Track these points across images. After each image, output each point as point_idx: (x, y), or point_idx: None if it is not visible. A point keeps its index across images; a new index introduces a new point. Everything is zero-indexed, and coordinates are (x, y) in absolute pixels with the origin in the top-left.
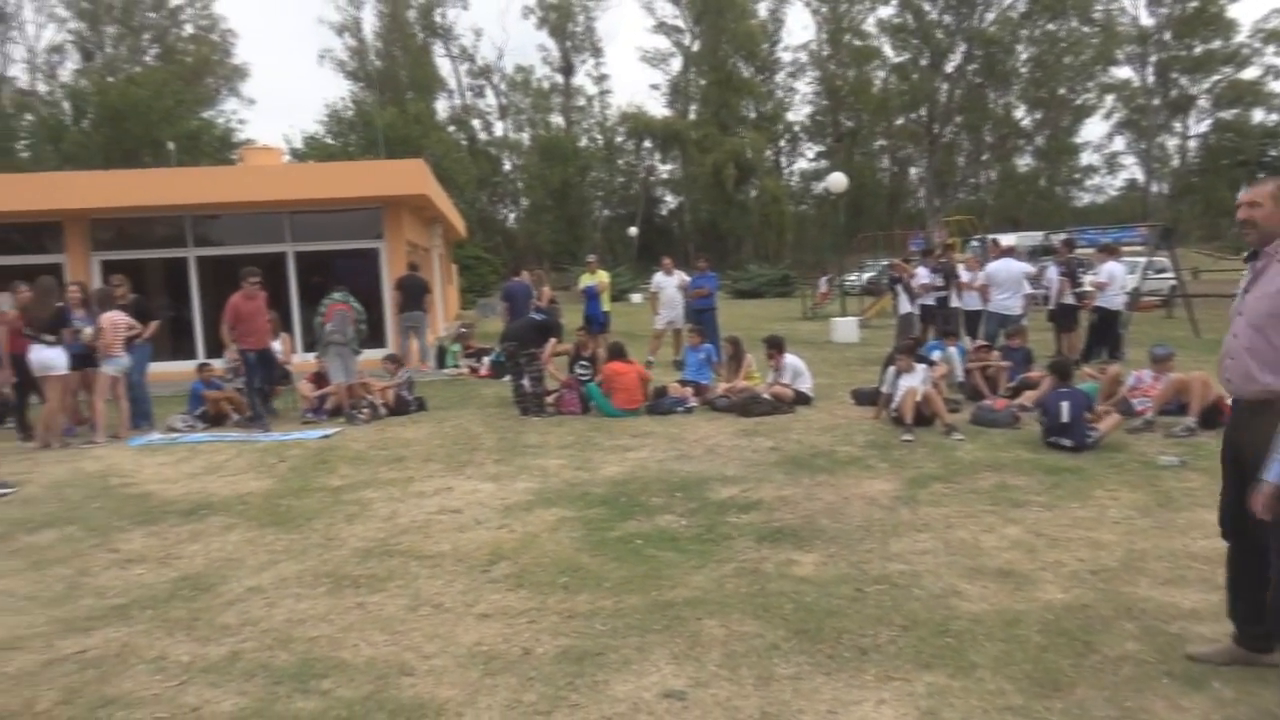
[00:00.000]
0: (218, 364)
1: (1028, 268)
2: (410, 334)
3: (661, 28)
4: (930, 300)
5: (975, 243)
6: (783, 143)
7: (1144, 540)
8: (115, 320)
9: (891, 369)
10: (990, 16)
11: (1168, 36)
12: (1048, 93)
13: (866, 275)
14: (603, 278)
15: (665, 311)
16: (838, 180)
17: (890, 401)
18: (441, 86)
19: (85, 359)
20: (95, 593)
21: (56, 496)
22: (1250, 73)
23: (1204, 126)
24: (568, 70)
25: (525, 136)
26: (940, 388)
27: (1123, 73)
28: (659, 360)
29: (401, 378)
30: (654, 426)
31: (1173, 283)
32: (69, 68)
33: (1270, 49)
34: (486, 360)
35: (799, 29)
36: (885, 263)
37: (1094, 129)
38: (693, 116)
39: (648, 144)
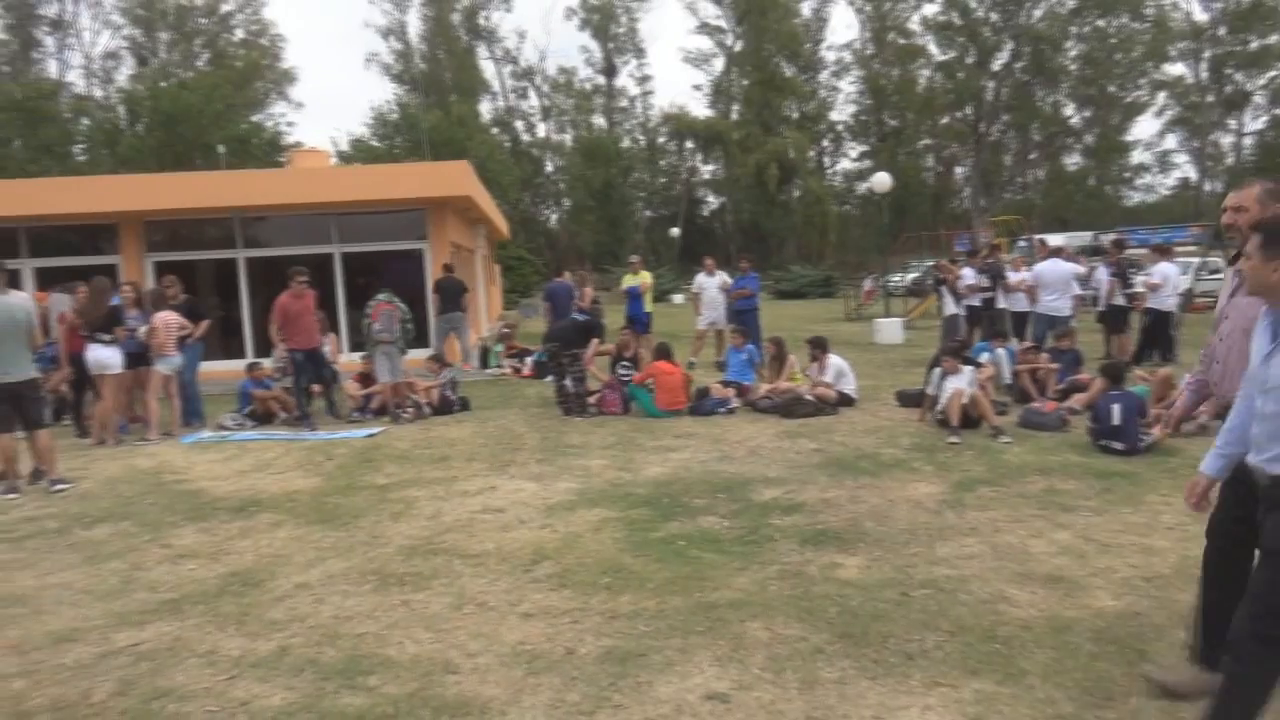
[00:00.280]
0: (266, 363)
1: (1076, 268)
2: (450, 334)
3: (704, 28)
4: (976, 301)
5: (1023, 243)
6: (826, 142)
7: (1198, 547)
8: (168, 320)
9: (937, 370)
10: (1038, 13)
11: (1222, 31)
12: (1097, 90)
13: (911, 276)
14: (645, 278)
15: (707, 312)
16: (882, 180)
17: (935, 403)
18: (485, 89)
19: (139, 358)
20: (148, 587)
21: (111, 492)
22: None
23: (1260, 124)
24: (610, 71)
25: (567, 138)
26: (987, 390)
27: (1175, 69)
28: (701, 361)
29: (445, 377)
30: (696, 427)
31: None
32: (124, 73)
33: None
34: (529, 360)
35: (842, 28)
36: (930, 263)
37: (1145, 127)
38: (735, 117)
39: (690, 144)
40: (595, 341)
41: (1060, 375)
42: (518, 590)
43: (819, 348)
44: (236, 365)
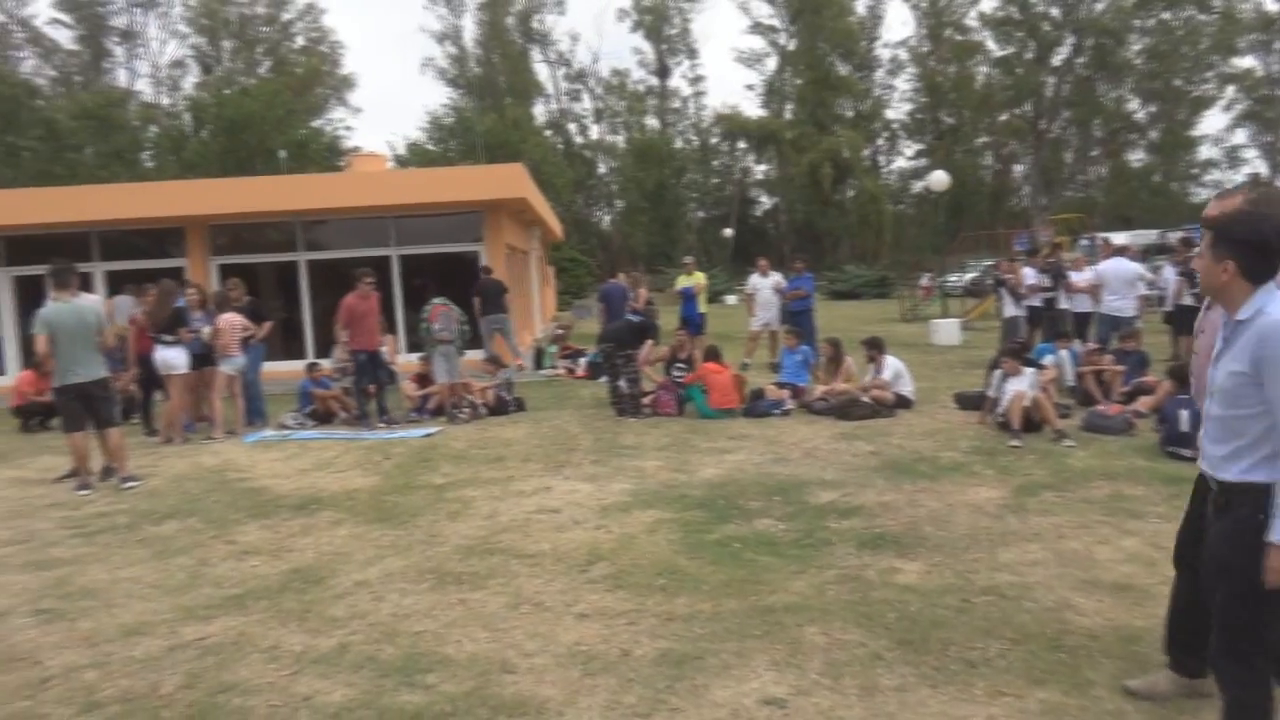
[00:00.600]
0: (326, 363)
1: (1140, 268)
2: (495, 335)
3: (757, 28)
4: (1038, 302)
5: (1085, 242)
6: (881, 141)
7: None
8: (231, 321)
9: (997, 372)
10: (1101, 6)
11: None
12: (1163, 84)
13: (968, 276)
14: (699, 279)
15: (761, 313)
16: (939, 178)
17: (996, 406)
18: (539, 91)
19: (204, 358)
20: (214, 582)
21: (178, 489)
22: None
23: None
24: (663, 72)
25: (620, 139)
26: (1050, 392)
27: (1244, 62)
28: (755, 362)
29: (500, 378)
30: (751, 429)
31: None
32: (189, 81)
33: None
34: (583, 361)
35: (898, 25)
36: (988, 263)
37: (1213, 121)
38: (788, 116)
39: (742, 145)
40: (649, 342)
41: (1126, 378)
42: (573, 591)
43: (876, 348)
44: (297, 366)
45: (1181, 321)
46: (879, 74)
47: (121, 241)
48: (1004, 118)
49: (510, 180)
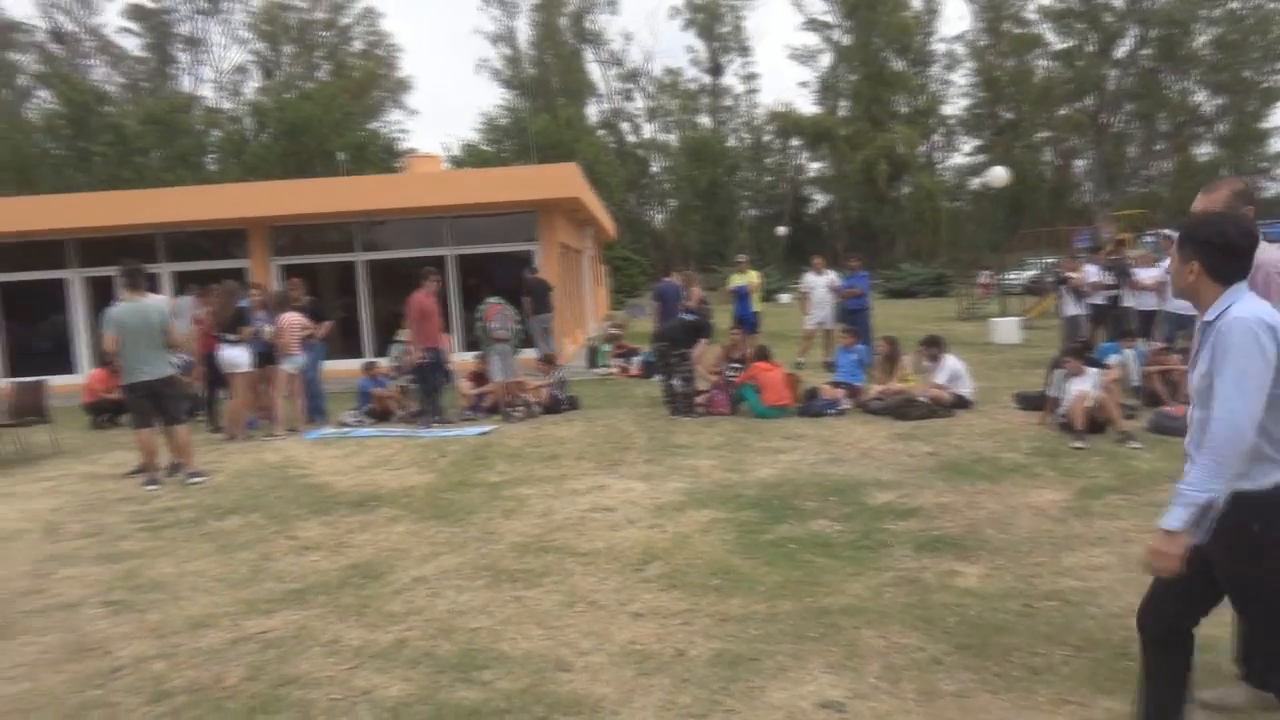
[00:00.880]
0: (383, 362)
1: None
2: (542, 335)
3: (811, 24)
4: (1101, 300)
5: (1149, 238)
6: (937, 137)
7: None
8: (292, 320)
9: (1059, 371)
10: None
11: None
12: (1231, 76)
13: (1028, 274)
14: (753, 278)
15: (815, 312)
16: (998, 174)
17: (1057, 406)
18: (592, 91)
19: (267, 357)
20: (276, 577)
21: (241, 485)
22: None
23: None
24: (716, 70)
25: (673, 138)
26: (1114, 392)
27: None
28: (809, 361)
29: (555, 377)
30: (806, 429)
31: None
32: (251, 85)
33: None
34: (636, 360)
35: (955, 19)
36: (1049, 260)
37: None
38: (843, 113)
39: (796, 142)
40: (703, 341)
41: None
42: (628, 590)
43: (934, 347)
44: (356, 364)
45: None
46: (935, 69)
47: (186, 243)
48: (1064, 112)
49: (563, 180)
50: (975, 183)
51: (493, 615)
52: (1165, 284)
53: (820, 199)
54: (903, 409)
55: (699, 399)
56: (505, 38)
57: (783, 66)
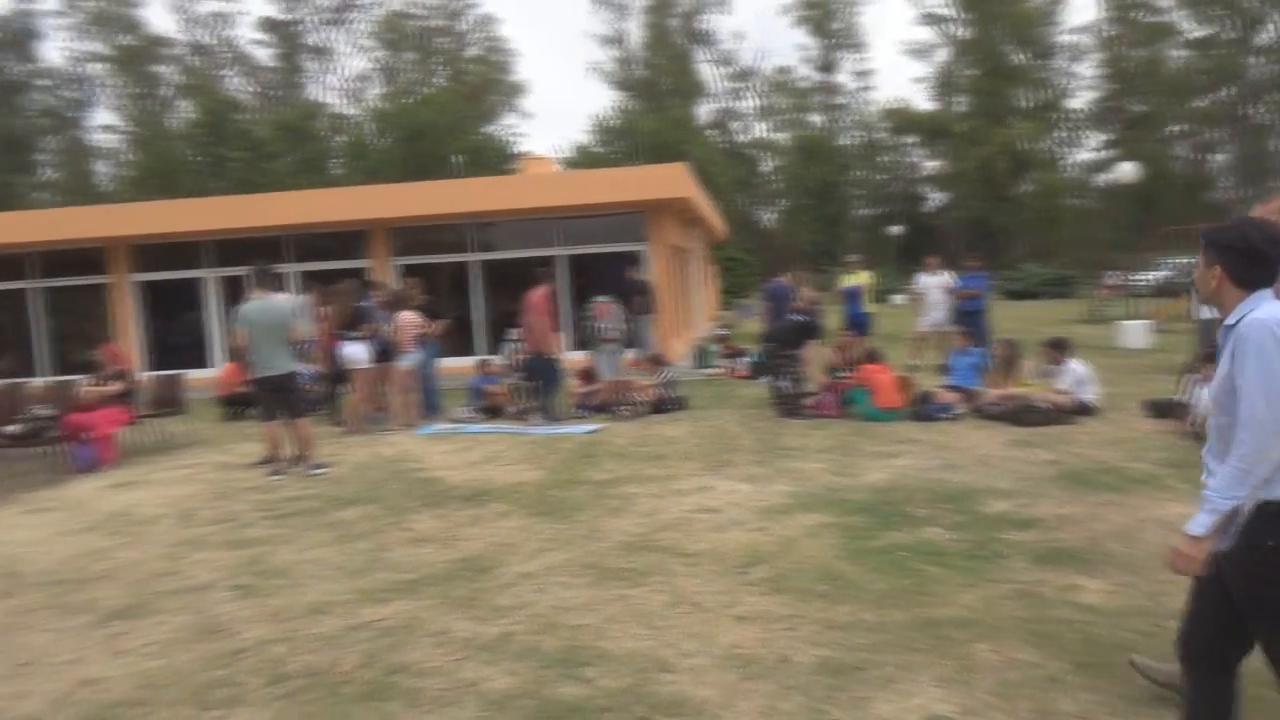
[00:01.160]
0: (496, 360)
1: None
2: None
3: (928, 18)
4: None
5: None
6: (1061, 132)
7: None
8: (409, 319)
9: (1192, 378)
10: None
11: None
12: None
13: (1160, 274)
14: (864, 278)
15: (930, 313)
16: (1126, 170)
17: (1190, 414)
18: (702, 91)
19: (385, 354)
20: (390, 567)
21: (360, 477)
22: None
23: None
24: (828, 68)
25: (784, 137)
26: None
27: None
28: (923, 364)
29: (663, 376)
30: (918, 433)
31: None
32: (373, 92)
33: None
34: (744, 361)
35: (1081, 8)
36: (1182, 260)
37: None
38: (960, 108)
39: (911, 139)
40: (812, 342)
41: None
42: (732, 592)
43: (1058, 349)
44: (469, 361)
45: None
46: (1059, 61)
47: (312, 244)
48: (1200, 104)
49: (672, 180)
50: (1102, 179)
51: (597, 613)
52: None
53: (936, 197)
54: (1021, 414)
55: (807, 401)
56: (616, 40)
57: (897, 62)
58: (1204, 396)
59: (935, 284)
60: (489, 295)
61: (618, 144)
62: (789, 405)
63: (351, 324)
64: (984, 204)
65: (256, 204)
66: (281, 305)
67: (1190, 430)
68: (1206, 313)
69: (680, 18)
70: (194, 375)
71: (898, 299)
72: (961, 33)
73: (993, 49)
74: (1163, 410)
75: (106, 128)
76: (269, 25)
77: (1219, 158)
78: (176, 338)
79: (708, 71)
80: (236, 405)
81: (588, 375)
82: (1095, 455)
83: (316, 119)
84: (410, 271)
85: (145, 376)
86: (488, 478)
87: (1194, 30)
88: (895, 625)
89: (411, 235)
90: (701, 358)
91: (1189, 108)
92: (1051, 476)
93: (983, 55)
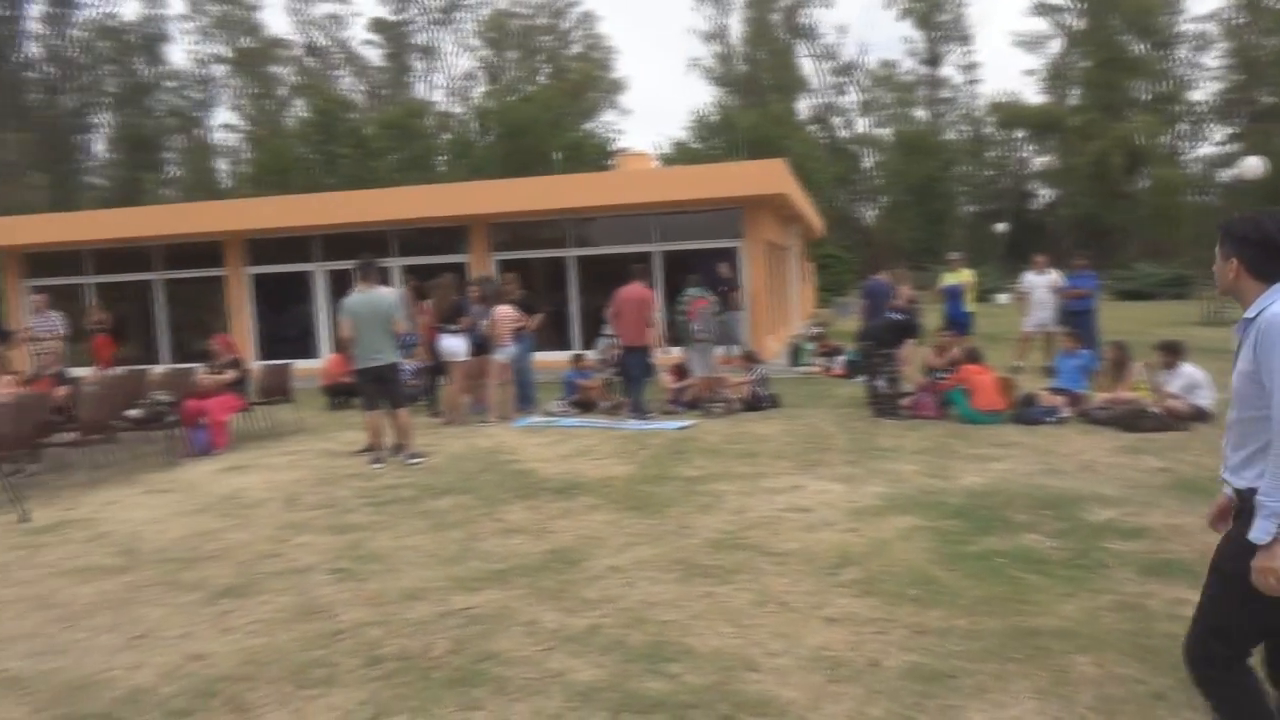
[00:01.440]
0: (590, 355)
1: None
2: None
3: (1040, 9)
4: None
5: None
6: (1182, 125)
7: None
8: (505, 313)
9: None
10: None
11: None
12: None
13: None
14: (966, 276)
15: (1035, 313)
16: (1253, 165)
17: None
18: (803, 86)
19: (482, 347)
20: (482, 556)
21: (455, 468)
22: None
23: None
24: (933, 61)
25: (887, 132)
26: None
27: None
28: (1028, 365)
29: (756, 374)
30: (1020, 437)
31: None
32: (478, 90)
33: None
34: (840, 359)
35: None
36: None
37: None
38: (1073, 101)
39: (1020, 134)
40: (910, 342)
41: None
42: (821, 593)
43: (1171, 353)
44: (564, 356)
45: None
46: (1181, 51)
47: (415, 239)
48: None
49: (770, 176)
50: (1227, 175)
51: (683, 609)
52: None
53: (1045, 194)
54: (1131, 420)
55: (904, 401)
56: (717, 35)
57: (1007, 55)
58: None
59: (1042, 283)
60: (585, 290)
61: (716, 140)
62: (885, 405)
63: (450, 317)
64: (1096, 201)
65: (363, 200)
66: (385, 298)
67: None
68: None
69: (782, 12)
70: (301, 365)
71: (1002, 298)
72: (1076, 23)
73: (1109, 39)
74: None
75: (227, 126)
76: (379, 26)
77: None
78: (285, 329)
79: (809, 66)
80: (340, 395)
81: (680, 371)
82: (1210, 464)
83: (423, 117)
84: (508, 266)
85: (256, 366)
86: (579, 471)
87: None
88: (990, 633)
89: (511, 231)
90: (797, 355)
91: None
92: (1162, 485)
93: (1098, 46)
